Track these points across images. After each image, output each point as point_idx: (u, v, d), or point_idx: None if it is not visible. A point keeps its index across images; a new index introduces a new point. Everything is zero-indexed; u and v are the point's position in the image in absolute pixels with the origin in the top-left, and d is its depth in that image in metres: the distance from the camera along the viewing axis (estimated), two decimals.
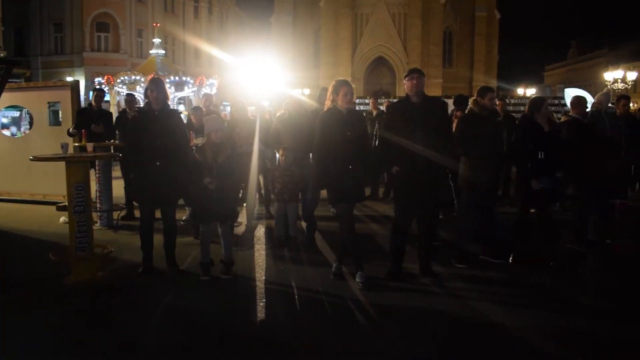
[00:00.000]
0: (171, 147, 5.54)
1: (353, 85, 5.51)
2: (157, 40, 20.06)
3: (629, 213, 7.23)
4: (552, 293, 5.32)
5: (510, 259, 6.19)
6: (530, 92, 35.09)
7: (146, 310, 4.78)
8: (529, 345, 4.10)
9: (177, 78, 17.94)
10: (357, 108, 14.62)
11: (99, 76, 18.73)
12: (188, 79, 18.51)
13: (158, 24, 24.65)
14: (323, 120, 5.40)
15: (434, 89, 45.97)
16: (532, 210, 6.43)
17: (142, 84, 17.09)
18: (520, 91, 39.32)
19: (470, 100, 6.18)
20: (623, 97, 8.00)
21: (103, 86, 17.38)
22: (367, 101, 16.96)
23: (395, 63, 50.86)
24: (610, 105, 7.53)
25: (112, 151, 8.08)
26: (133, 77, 17.45)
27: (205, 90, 18.12)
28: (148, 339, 4.19)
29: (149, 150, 5.51)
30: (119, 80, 17.64)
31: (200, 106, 9.32)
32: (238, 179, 7.51)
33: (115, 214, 8.35)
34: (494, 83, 54.42)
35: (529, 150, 6.04)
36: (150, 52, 19.87)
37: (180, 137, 5.74)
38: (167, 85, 16.56)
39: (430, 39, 52.24)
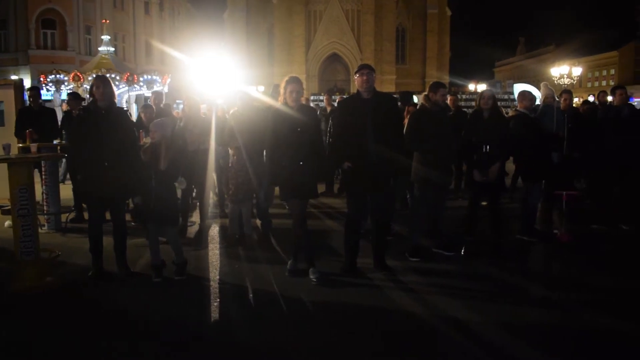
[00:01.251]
0: (119, 146, 5.41)
1: (304, 83, 5.50)
2: (106, 37, 19.50)
3: (575, 204, 7.50)
4: (502, 284, 5.44)
5: (462, 251, 6.31)
6: (481, 87, 35.82)
7: (96, 314, 4.65)
8: (480, 337, 4.17)
9: (149, 77, 17.47)
10: (311, 104, 14.62)
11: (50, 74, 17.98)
12: (157, 77, 18.05)
13: (107, 21, 23.99)
14: (274, 117, 5.38)
15: (387, 85, 46.50)
16: (483, 203, 6.57)
17: (66, 83, 16.52)
18: (471, 87, 40.12)
19: (422, 96, 6.26)
20: (566, 91, 8.26)
21: (72, 84, 16.74)
22: (321, 98, 16.98)
23: (350, 60, 51.16)
24: (555, 99, 7.75)
25: (58, 152, 7.83)
26: (59, 77, 16.76)
27: (157, 87, 17.72)
28: (98, 345, 4.08)
29: (96, 150, 5.35)
30: (48, 80, 16.98)
31: (152, 105, 9.13)
32: (188, 180, 7.42)
33: (64, 217, 8.10)
34: (446, 79, 55.39)
35: (473, 143, 6.16)
36: (99, 49, 19.30)
37: (127, 136, 5.61)
38: (116, 83, 16.15)
39: (384, 36, 52.78)
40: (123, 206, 5.83)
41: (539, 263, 6.37)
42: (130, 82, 16.30)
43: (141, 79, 16.75)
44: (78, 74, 16.25)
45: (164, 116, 7.53)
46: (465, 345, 4.02)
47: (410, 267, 5.88)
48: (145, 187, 5.43)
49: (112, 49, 19.52)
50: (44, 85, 16.87)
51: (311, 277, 5.35)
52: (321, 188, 10.41)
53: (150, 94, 12.88)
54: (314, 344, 4.07)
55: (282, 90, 5.38)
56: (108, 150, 5.35)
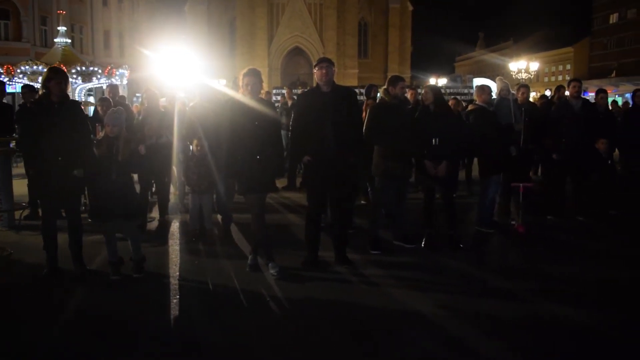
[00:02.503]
0: (72, 140, 5.25)
1: (266, 76, 5.45)
2: (62, 29, 18.92)
3: (531, 195, 7.67)
4: (461, 275, 5.53)
5: (423, 243, 6.39)
6: (442, 82, 36.31)
7: (51, 314, 4.53)
8: (440, 328, 4.23)
9: (84, 68, 16.97)
10: (273, 98, 14.51)
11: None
12: (96, 68, 17.57)
13: (63, 12, 23.35)
14: (231, 110, 5.33)
15: (350, 79, 46.64)
16: (438, 196, 6.65)
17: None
18: (432, 81, 40.56)
19: (381, 90, 6.28)
20: (523, 85, 8.43)
21: (3, 77, 16.17)
22: (283, 91, 16.91)
23: (312, 53, 51.05)
24: (510, 92, 7.91)
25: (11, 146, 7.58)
26: (35, 68, 16.23)
27: (115, 80, 17.30)
28: (53, 345, 3.98)
29: (50, 144, 5.18)
30: (18, 71, 16.38)
31: (109, 97, 8.93)
32: (146, 175, 7.30)
33: (17, 214, 7.84)
34: (407, 73, 55.94)
35: (424, 136, 6.23)
36: (55, 40, 18.71)
37: (81, 130, 5.45)
38: (74, 76, 15.70)
39: (346, 30, 52.93)
40: (78, 202, 5.67)
41: (497, 254, 6.49)
42: (109, 76, 15.92)
43: (73, 70, 16.18)
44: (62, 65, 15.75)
45: None
46: (425, 337, 4.07)
47: (371, 260, 5.92)
48: (99, 181, 5.29)
49: (69, 40, 18.95)
50: (12, 77, 16.19)
51: (271, 271, 5.34)
52: (283, 182, 10.43)
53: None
54: (276, 339, 4.06)
55: (239, 83, 5.33)
56: (61, 145, 5.19)
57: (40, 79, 15.61)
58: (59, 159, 5.19)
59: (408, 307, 4.61)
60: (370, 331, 4.18)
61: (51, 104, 5.27)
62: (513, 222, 7.26)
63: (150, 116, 7.35)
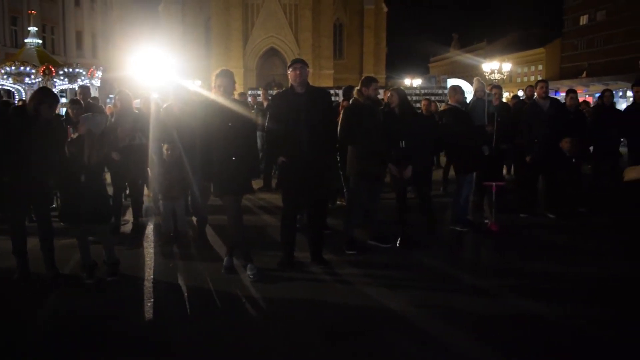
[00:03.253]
0: (47, 148, 5.18)
1: (242, 77, 5.44)
2: (33, 29, 18.59)
3: (503, 194, 7.79)
4: (435, 273, 5.59)
5: (398, 242, 6.43)
6: (417, 82, 36.57)
7: (24, 319, 4.46)
8: (414, 326, 4.27)
9: (71, 70, 16.62)
10: (248, 99, 14.46)
11: None
12: (82, 70, 17.24)
13: (34, 12, 22.91)
14: (205, 111, 5.31)
15: (325, 80, 46.74)
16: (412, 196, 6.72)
17: (32, 77, 15.59)
18: (407, 82, 40.86)
19: (355, 91, 6.31)
20: (496, 86, 8.57)
21: None
22: (259, 92, 16.87)
23: (288, 54, 51.02)
24: (485, 93, 8.03)
25: None
26: (22, 69, 15.70)
27: (95, 82, 17.03)
28: (26, 349, 3.92)
29: (26, 157, 5.08)
30: (3, 71, 15.89)
31: (80, 99, 8.79)
32: (120, 177, 7.22)
33: None
34: (382, 74, 56.27)
35: (391, 138, 6.29)
36: (26, 41, 18.35)
37: (61, 147, 5.35)
38: (61, 78, 15.41)
39: (321, 31, 53.03)
40: (48, 204, 5.59)
41: (471, 252, 6.57)
42: (47, 75, 15.45)
43: (60, 72, 15.87)
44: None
45: (91, 111, 7.25)
46: (400, 335, 4.10)
47: (347, 260, 5.94)
48: (69, 184, 5.22)
49: (40, 41, 18.62)
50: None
51: (248, 273, 5.32)
52: (259, 183, 10.41)
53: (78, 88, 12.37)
54: (251, 341, 4.05)
55: (212, 84, 5.31)
56: (37, 158, 5.10)
57: (27, 79, 15.32)
58: (31, 164, 5.10)
59: (383, 306, 4.64)
60: (346, 331, 4.19)
61: (26, 112, 5.21)
62: (486, 221, 7.36)
63: (123, 118, 7.28)
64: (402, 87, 28.12)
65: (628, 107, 8.62)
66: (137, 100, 9.10)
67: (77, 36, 41.10)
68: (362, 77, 6.42)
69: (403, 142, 6.20)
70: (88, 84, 14.56)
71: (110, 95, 24.32)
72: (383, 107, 6.63)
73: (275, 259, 5.74)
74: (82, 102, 8.20)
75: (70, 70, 16.24)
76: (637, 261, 6.03)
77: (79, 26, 41.04)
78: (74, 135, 5.65)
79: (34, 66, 15.39)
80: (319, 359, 3.82)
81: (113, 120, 7.40)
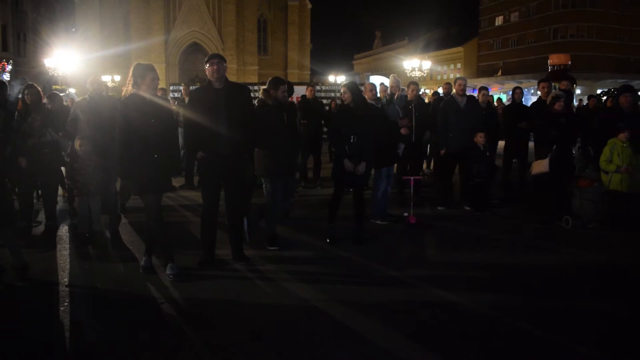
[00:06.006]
0: None
1: (164, 72, 5.29)
2: None
3: (422, 187, 8.03)
4: (355, 266, 5.70)
5: (328, 239, 6.49)
6: (341, 79, 37.07)
7: None
8: (334, 319, 4.33)
9: None
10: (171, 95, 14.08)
11: None
12: None
13: None
14: (125, 107, 5.13)
15: (250, 76, 46.43)
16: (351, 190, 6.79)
17: None
18: (331, 78, 41.36)
19: (261, 90, 6.27)
20: (412, 83, 8.80)
21: None
22: (180, 88, 16.53)
23: (211, 49, 50.08)
24: (400, 88, 8.23)
25: None
26: None
27: (6, 76, 16.09)
28: None
29: None
30: None
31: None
32: (28, 177, 6.87)
33: None
34: (307, 70, 56.52)
35: (342, 133, 6.34)
36: None
37: None
38: None
39: (245, 26, 52.52)
40: None
41: (390, 244, 6.72)
42: (2, 71, 14.58)
43: None
44: None
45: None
46: (320, 329, 4.15)
47: (269, 256, 5.95)
48: None
49: None
50: None
51: (168, 272, 5.20)
52: (181, 181, 10.21)
53: None
54: (170, 342, 3.96)
55: (129, 79, 5.14)
56: None
57: None
58: None
59: (304, 301, 4.68)
60: (267, 327, 4.19)
61: None
62: (405, 214, 7.57)
63: (34, 113, 6.91)
64: (325, 84, 28.32)
65: (533, 103, 9.12)
66: (71, 91, 8.66)
67: None
68: (271, 78, 6.32)
69: (354, 137, 6.24)
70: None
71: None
72: (336, 104, 6.63)
73: (196, 257, 5.64)
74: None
75: None
76: (546, 250, 6.40)
77: None
78: None
79: None
80: (241, 358, 3.78)
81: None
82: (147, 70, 5.12)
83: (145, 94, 5.09)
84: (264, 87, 6.19)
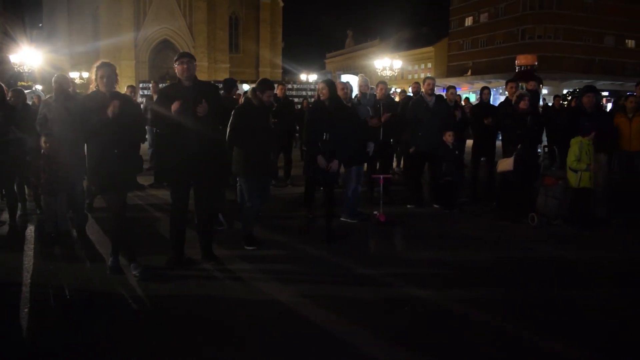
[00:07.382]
0: None
1: (133, 69, 5.24)
2: None
3: (391, 186, 8.10)
4: (326, 264, 5.71)
5: (303, 230, 6.51)
6: (312, 77, 37.04)
7: None
8: (302, 316, 4.34)
9: None
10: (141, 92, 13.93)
11: None
12: None
13: None
14: (84, 104, 5.07)
15: (221, 74, 46.06)
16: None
17: None
18: (303, 77, 41.28)
19: (250, 90, 6.22)
20: (381, 82, 8.87)
21: None
22: (149, 85, 16.33)
23: (182, 47, 49.65)
24: (369, 87, 8.29)
25: None
26: None
27: None
28: None
29: None
30: None
31: None
32: None
33: None
34: (279, 69, 56.39)
35: (317, 132, 6.36)
36: None
37: None
38: None
39: (217, 24, 52.20)
40: None
41: (360, 242, 6.76)
42: None
43: None
44: None
45: None
46: (291, 328, 4.15)
47: (240, 254, 5.93)
48: None
49: None
50: None
51: (133, 272, 5.15)
52: (150, 180, 10.09)
53: None
54: (137, 342, 3.92)
55: (92, 76, 5.08)
56: None
57: None
58: None
59: (273, 299, 4.67)
60: (236, 327, 4.17)
61: None
62: (375, 212, 7.62)
63: None
64: (297, 83, 28.29)
65: (501, 102, 9.30)
66: (37, 87, 8.49)
67: None
68: (260, 79, 6.32)
69: (327, 134, 6.25)
70: None
71: None
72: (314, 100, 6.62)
73: (165, 257, 5.57)
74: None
75: None
76: (513, 247, 6.54)
77: None
78: None
79: None
80: (209, 358, 3.75)
81: None
82: (105, 67, 5.07)
83: (104, 90, 5.02)
84: (254, 85, 6.17)
